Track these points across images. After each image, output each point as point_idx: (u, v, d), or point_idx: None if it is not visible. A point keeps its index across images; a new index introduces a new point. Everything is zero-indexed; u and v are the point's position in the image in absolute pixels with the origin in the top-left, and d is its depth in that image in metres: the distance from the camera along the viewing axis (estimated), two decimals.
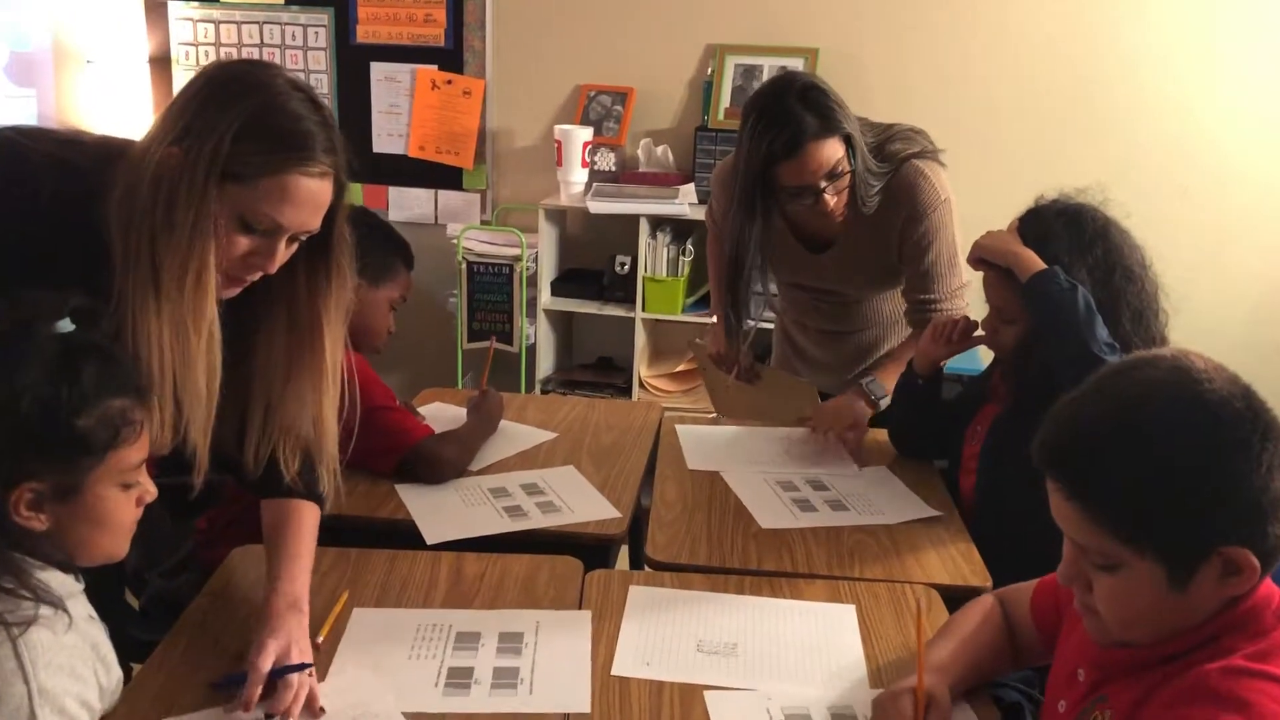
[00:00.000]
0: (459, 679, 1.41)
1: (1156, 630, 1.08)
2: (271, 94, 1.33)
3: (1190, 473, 1.02)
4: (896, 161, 2.15)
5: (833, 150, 2.04)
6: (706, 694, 1.39)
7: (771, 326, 2.65)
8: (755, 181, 2.06)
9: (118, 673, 1.30)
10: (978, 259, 1.85)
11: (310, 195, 1.34)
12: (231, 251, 1.34)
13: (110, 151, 1.37)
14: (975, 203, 2.31)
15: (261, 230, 1.34)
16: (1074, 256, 1.75)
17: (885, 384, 2.19)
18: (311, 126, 1.33)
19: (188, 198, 1.28)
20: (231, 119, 1.29)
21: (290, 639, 1.37)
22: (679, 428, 2.30)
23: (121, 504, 1.27)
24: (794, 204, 2.10)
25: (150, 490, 1.30)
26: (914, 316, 2.26)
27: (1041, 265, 1.74)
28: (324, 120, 1.36)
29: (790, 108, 2.00)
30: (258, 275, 1.39)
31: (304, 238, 1.39)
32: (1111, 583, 1.08)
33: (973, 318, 2.01)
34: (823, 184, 2.05)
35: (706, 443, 2.23)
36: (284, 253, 1.38)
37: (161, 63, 4.07)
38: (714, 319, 2.55)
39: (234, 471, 1.57)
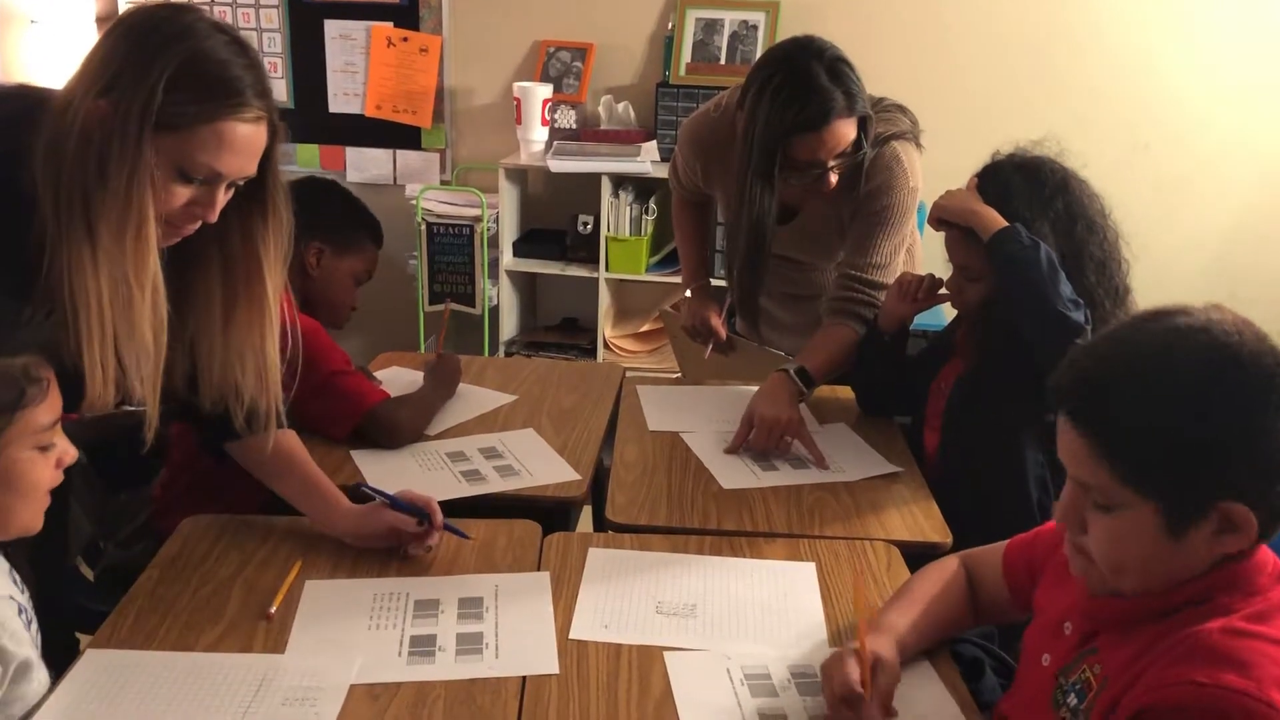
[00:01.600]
0: (422, 647, 1.40)
1: (1145, 578, 1.07)
2: (197, 39, 1.30)
3: (1210, 424, 1.01)
4: (879, 142, 2.09)
5: (851, 130, 1.98)
6: (666, 655, 1.39)
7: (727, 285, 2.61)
8: (774, 150, 1.96)
9: (25, 659, 1.25)
10: (938, 219, 1.83)
11: (246, 141, 1.33)
12: (171, 202, 1.32)
13: (28, 103, 1.33)
14: (937, 156, 2.29)
15: (200, 179, 1.33)
16: (1035, 210, 1.74)
17: (812, 370, 2.06)
18: (240, 71, 1.31)
19: (121, 152, 1.26)
20: (160, 68, 1.26)
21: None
22: (640, 388, 2.28)
23: (39, 466, 1.24)
24: (796, 177, 2.01)
25: (70, 451, 1.27)
26: (837, 294, 2.17)
27: (1002, 223, 1.72)
28: (251, 62, 1.34)
29: (819, 79, 1.92)
30: (198, 224, 1.38)
31: (241, 183, 1.38)
32: (1108, 524, 1.07)
33: (938, 275, 2.00)
34: (832, 162, 2.00)
35: (668, 403, 2.21)
36: (223, 199, 1.36)
37: (109, 23, 3.96)
38: (687, 292, 2.52)
39: (193, 419, 1.58)
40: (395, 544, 1.60)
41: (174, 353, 1.44)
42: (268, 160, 1.40)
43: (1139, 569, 1.07)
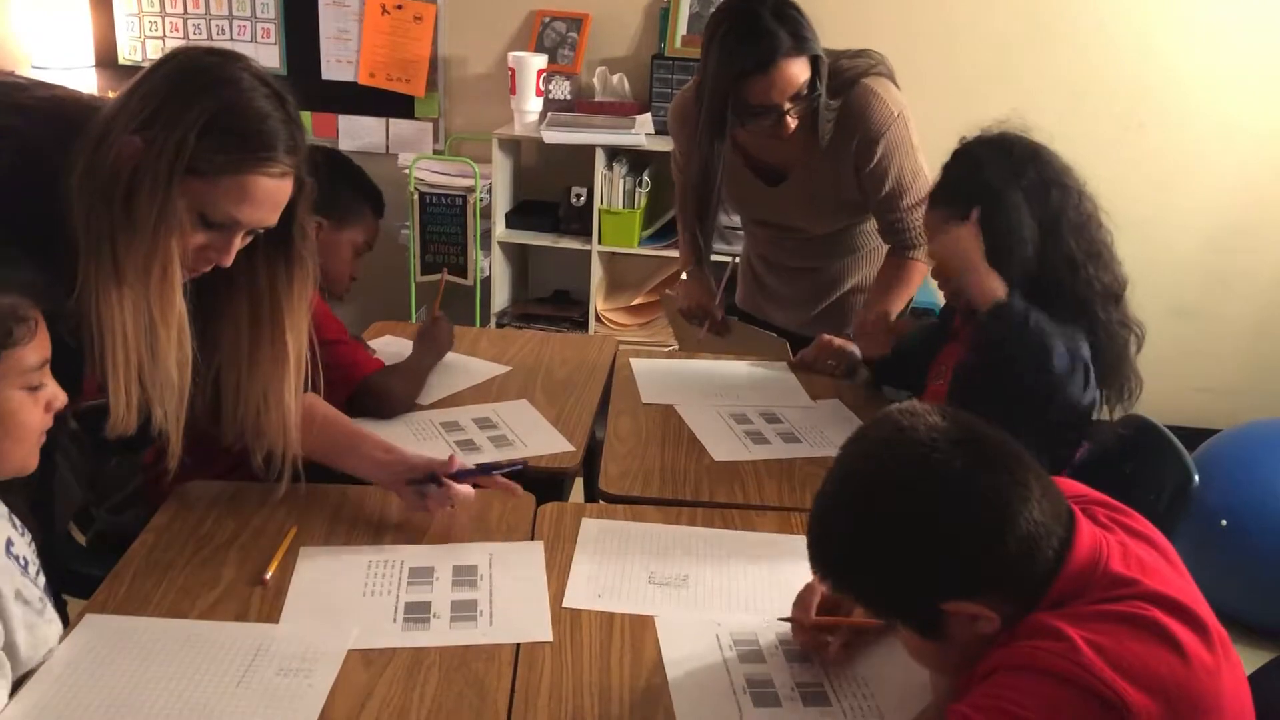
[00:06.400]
0: (417, 613, 1.41)
1: (952, 665, 1.12)
2: (238, 89, 1.33)
3: (894, 553, 1.07)
4: (846, 84, 2.11)
5: (801, 70, 2.00)
6: (657, 622, 1.40)
7: (727, 260, 2.62)
8: (725, 96, 1.99)
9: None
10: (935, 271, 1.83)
11: (269, 194, 1.36)
12: (187, 244, 1.35)
13: (64, 119, 1.36)
14: (931, 132, 2.29)
15: (218, 224, 1.35)
16: (1008, 180, 1.72)
17: (893, 312, 2.19)
18: (276, 125, 1.34)
19: (151, 192, 1.28)
20: (198, 114, 1.29)
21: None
22: (634, 361, 2.29)
23: (27, 407, 1.23)
24: (754, 124, 2.04)
25: (60, 396, 1.27)
26: (887, 236, 2.28)
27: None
28: (288, 117, 1.36)
29: (764, 21, 1.95)
30: (210, 267, 1.40)
31: (261, 231, 1.40)
32: (899, 634, 1.18)
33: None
34: (786, 105, 2.01)
35: (661, 376, 2.22)
36: (238, 244, 1.39)
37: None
38: (683, 275, 2.53)
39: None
40: (423, 488, 1.60)
41: (197, 385, 1.47)
42: (292, 212, 1.42)
43: (941, 663, 1.15)
